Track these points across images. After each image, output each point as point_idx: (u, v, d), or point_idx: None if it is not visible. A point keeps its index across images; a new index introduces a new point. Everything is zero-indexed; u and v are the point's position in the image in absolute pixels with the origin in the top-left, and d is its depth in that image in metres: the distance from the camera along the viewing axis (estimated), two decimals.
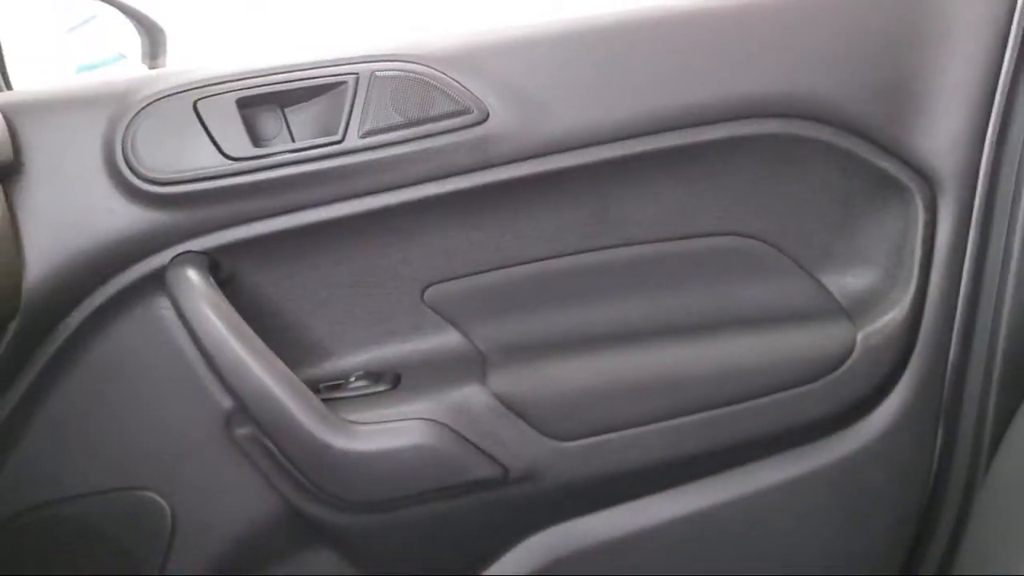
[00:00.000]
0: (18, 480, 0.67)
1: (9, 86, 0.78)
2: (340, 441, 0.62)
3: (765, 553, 0.68)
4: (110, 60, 1.12)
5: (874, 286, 0.67)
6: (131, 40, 0.98)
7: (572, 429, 0.65)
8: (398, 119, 0.63)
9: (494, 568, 0.69)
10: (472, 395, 0.65)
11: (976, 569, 0.62)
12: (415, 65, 0.63)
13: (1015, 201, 0.64)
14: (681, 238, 0.67)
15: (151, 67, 0.89)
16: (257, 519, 0.68)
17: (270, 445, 0.63)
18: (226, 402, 0.66)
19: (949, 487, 0.68)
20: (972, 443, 0.66)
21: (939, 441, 0.68)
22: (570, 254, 0.67)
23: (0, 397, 0.65)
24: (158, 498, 0.68)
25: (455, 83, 0.63)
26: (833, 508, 0.67)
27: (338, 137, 0.62)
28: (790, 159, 0.66)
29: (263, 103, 0.63)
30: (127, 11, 0.92)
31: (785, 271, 0.68)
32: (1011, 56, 0.64)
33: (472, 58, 0.64)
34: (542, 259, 0.68)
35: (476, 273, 0.69)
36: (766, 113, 0.64)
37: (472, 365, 0.68)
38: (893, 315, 0.65)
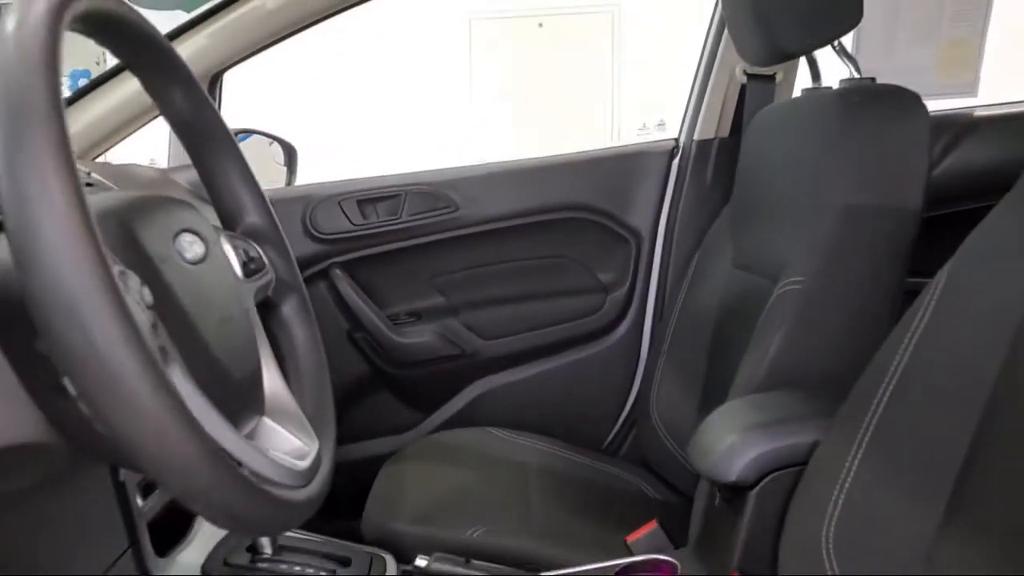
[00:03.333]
0: None
1: (291, 180, 1.66)
2: (397, 338, 1.54)
3: (569, 392, 1.62)
4: (242, 138, 1.98)
5: (615, 278, 1.62)
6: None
7: (490, 334, 1.59)
8: (421, 208, 1.55)
9: (456, 398, 1.62)
10: (451, 322, 1.58)
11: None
12: (428, 186, 1.55)
13: (670, 246, 1.59)
14: (537, 258, 1.61)
15: (288, 172, 1.76)
16: (357, 375, 1.60)
17: (370, 339, 1.55)
18: (346, 324, 1.57)
19: (650, 365, 1.63)
20: (659, 345, 1.62)
21: (642, 345, 1.63)
22: (488, 264, 1.60)
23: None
24: None
25: (446, 194, 1.55)
26: (576, 376, 1.62)
27: (397, 216, 1.54)
28: (581, 227, 1.59)
29: (367, 200, 1.54)
30: (270, 136, 1.80)
31: (582, 272, 1.62)
32: (671, 185, 1.59)
33: (452, 183, 1.56)
34: (478, 267, 1.61)
35: (452, 272, 1.62)
36: (569, 208, 1.58)
37: (450, 310, 1.61)
38: (622, 290, 1.60)
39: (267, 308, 0.78)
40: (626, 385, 1.63)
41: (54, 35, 0.47)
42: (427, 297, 1.61)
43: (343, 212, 1.53)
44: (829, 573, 0.77)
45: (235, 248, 0.71)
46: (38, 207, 0.43)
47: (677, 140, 1.61)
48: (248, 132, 1.69)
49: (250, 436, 0.63)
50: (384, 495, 1.26)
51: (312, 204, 1.53)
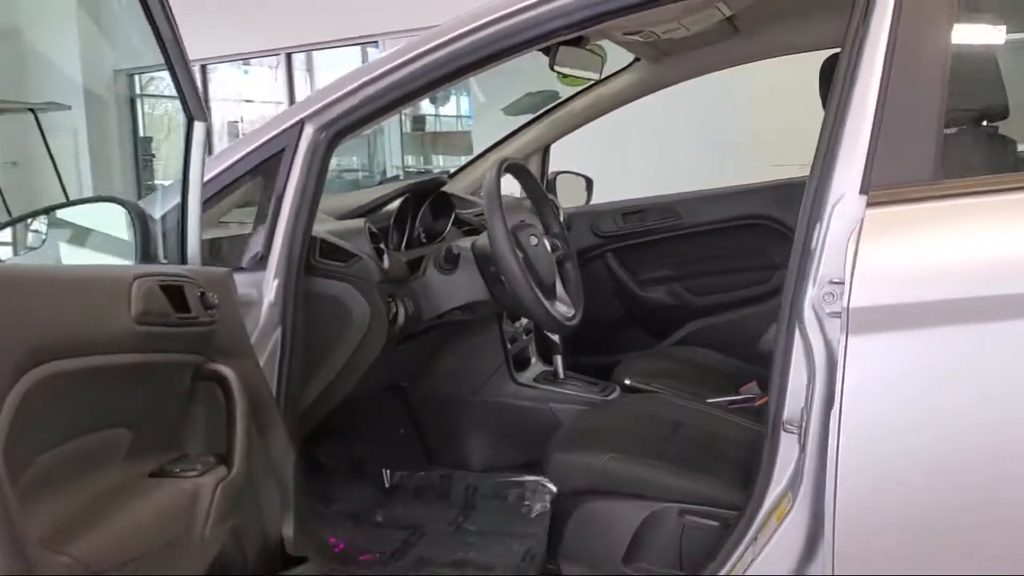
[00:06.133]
0: None
1: (589, 199, 2.87)
2: (643, 294, 2.66)
3: (745, 331, 2.58)
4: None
5: (782, 260, 2.55)
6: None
7: (698, 293, 2.62)
8: (658, 217, 2.63)
9: (677, 332, 2.67)
10: (674, 285, 2.64)
11: None
12: (662, 204, 2.63)
13: None
14: (727, 247, 2.62)
15: (588, 194, 2.93)
16: (618, 318, 2.73)
17: (627, 295, 2.68)
18: (613, 285, 2.71)
19: None
20: None
21: None
22: (697, 250, 2.63)
23: None
24: None
25: (673, 208, 2.62)
26: (749, 323, 2.56)
27: (644, 223, 2.64)
28: (758, 228, 2.55)
29: (627, 213, 2.67)
30: (576, 173, 2.98)
31: (758, 256, 2.58)
32: None
33: (676, 202, 2.62)
34: (691, 251, 2.64)
35: (676, 255, 2.67)
36: (748, 217, 2.55)
37: (675, 278, 2.66)
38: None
39: (558, 263, 1.95)
40: None
41: (498, 179, 1.69)
42: (661, 270, 2.68)
43: (613, 220, 2.68)
44: None
45: (548, 240, 1.89)
46: (496, 231, 1.63)
47: None
48: (564, 172, 2.92)
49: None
50: (624, 368, 2.36)
51: (597, 216, 2.69)
